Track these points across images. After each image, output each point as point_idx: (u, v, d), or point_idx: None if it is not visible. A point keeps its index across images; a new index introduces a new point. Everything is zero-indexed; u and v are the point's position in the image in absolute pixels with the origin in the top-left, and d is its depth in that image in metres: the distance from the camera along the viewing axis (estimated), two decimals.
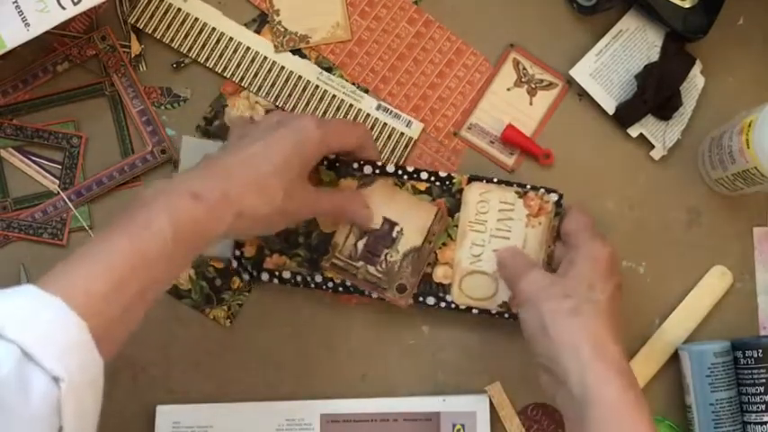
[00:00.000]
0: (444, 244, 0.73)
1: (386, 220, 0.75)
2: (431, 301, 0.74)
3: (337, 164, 0.74)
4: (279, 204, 0.64)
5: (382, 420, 0.75)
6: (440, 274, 0.74)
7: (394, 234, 0.75)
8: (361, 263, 0.75)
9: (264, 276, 0.75)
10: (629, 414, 0.61)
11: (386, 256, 0.75)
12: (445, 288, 0.74)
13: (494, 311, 0.74)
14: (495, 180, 0.74)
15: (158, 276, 0.58)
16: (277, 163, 0.65)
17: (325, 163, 0.74)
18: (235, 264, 0.75)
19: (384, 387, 0.77)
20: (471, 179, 0.74)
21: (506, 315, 0.74)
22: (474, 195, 0.74)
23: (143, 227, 0.57)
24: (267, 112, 0.79)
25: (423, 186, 0.74)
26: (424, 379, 0.77)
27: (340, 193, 0.74)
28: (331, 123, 0.72)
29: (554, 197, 0.73)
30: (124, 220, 0.58)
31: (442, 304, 0.74)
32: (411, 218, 0.75)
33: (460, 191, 0.74)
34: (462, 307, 0.74)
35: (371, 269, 0.75)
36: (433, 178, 0.74)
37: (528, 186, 0.74)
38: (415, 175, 0.74)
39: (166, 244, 0.57)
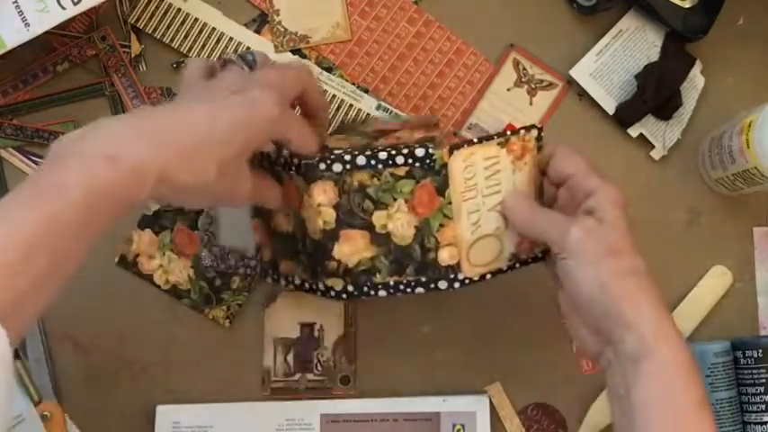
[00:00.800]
0: (442, 225, 0.67)
1: (303, 325, 0.77)
2: (443, 285, 0.68)
3: (299, 167, 0.66)
4: (208, 180, 0.57)
5: (382, 420, 0.75)
6: (445, 256, 0.67)
7: (315, 334, 0.77)
8: (298, 375, 0.76)
9: (282, 281, 0.71)
10: (685, 370, 0.59)
11: (317, 357, 0.77)
12: (454, 268, 0.67)
13: (505, 268, 0.69)
14: (476, 140, 0.67)
15: (70, 246, 0.53)
16: (218, 134, 0.57)
17: (293, 169, 0.66)
18: (258, 267, 0.73)
19: (384, 387, 0.77)
20: (452, 149, 0.66)
21: (517, 265, 0.70)
22: (458, 165, 0.66)
23: (54, 191, 0.52)
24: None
25: (402, 171, 0.65)
26: (424, 379, 0.77)
27: (278, 187, 0.67)
28: (288, 114, 0.63)
29: (534, 133, 0.68)
30: (35, 181, 0.53)
31: (456, 284, 0.68)
32: (324, 312, 0.77)
33: (444, 165, 0.65)
34: (476, 278, 0.69)
35: (310, 376, 0.76)
36: (411, 160, 0.65)
37: (508, 133, 0.68)
38: (390, 162, 0.65)
39: (79, 211, 0.52)
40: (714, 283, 0.79)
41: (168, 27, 0.79)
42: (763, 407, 0.74)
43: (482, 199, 0.67)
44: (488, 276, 0.69)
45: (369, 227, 0.66)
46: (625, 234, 0.64)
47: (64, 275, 0.54)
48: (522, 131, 0.68)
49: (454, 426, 0.75)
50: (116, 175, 0.53)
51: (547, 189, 0.69)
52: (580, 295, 0.63)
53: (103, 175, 0.53)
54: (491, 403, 0.76)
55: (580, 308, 0.63)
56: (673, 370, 0.59)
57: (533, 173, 0.69)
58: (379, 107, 0.79)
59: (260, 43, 0.79)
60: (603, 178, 0.66)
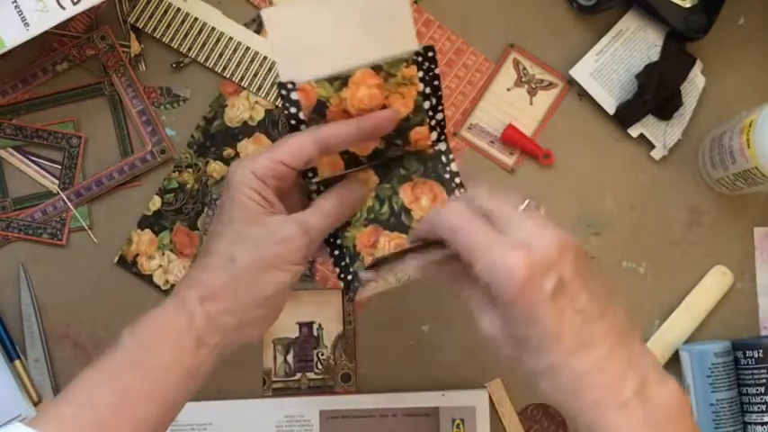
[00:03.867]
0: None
1: (301, 324, 0.77)
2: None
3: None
4: (239, 261, 0.58)
5: (381, 416, 0.75)
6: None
7: (315, 333, 0.77)
8: (298, 374, 0.76)
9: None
10: None
11: (317, 356, 0.76)
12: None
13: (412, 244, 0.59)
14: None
15: (132, 389, 0.55)
16: (214, 231, 0.60)
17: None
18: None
19: (385, 385, 0.77)
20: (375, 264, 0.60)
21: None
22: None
23: (110, 349, 0.56)
24: (267, 111, 0.78)
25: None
26: (425, 378, 0.77)
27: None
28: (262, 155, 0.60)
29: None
30: (112, 353, 0.57)
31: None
32: (323, 310, 0.76)
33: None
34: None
35: (310, 375, 0.76)
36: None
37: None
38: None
39: (129, 353, 0.56)
40: (714, 283, 0.79)
41: (168, 27, 0.78)
42: (764, 407, 0.74)
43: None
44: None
45: None
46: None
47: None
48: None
49: (454, 420, 0.75)
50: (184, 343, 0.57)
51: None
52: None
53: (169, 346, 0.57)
54: (490, 399, 0.76)
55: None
56: None
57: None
58: None
59: (260, 43, 0.79)
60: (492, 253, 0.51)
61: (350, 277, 0.62)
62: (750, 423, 0.75)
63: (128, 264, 0.77)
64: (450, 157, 0.64)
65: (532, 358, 0.51)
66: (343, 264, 0.62)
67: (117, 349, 0.56)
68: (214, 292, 0.57)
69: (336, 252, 0.63)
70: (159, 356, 0.56)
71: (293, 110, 0.60)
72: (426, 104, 0.62)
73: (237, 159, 0.61)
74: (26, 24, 0.70)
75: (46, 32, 0.71)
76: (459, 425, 0.75)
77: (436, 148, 0.64)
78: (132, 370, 0.56)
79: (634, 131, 0.79)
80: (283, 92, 0.60)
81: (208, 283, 0.58)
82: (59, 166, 0.78)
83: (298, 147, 0.58)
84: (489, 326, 0.53)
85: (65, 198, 0.77)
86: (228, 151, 0.78)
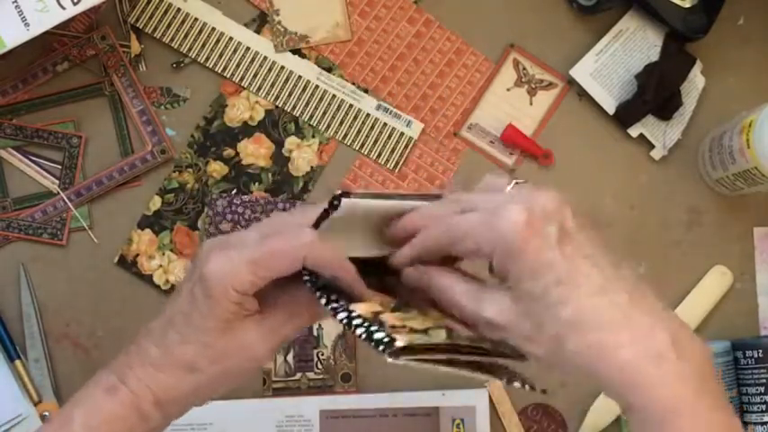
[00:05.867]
0: None
1: None
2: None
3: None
4: (205, 371, 0.53)
5: (381, 416, 0.75)
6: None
7: (315, 333, 0.76)
8: (298, 374, 0.76)
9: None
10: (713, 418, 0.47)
11: (318, 355, 0.76)
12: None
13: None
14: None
15: None
16: (176, 324, 0.53)
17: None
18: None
19: (385, 385, 0.77)
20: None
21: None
22: None
23: (59, 429, 0.54)
24: (267, 112, 0.78)
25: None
26: (424, 379, 0.77)
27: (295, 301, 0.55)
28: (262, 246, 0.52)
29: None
30: (52, 419, 0.55)
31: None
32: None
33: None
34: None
35: (311, 375, 0.76)
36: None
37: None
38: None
39: None
40: (714, 283, 0.79)
41: (168, 27, 0.78)
42: (764, 407, 0.74)
43: None
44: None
45: None
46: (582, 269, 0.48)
47: None
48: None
49: (454, 420, 0.75)
50: (115, 406, 0.53)
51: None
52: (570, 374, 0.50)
53: (104, 407, 0.53)
54: (490, 399, 0.76)
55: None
56: (699, 426, 0.47)
57: None
58: (378, 107, 0.79)
59: (260, 43, 0.79)
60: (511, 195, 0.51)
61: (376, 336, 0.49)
62: (750, 423, 0.75)
63: (128, 264, 0.77)
64: None
65: (553, 316, 0.47)
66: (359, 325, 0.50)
67: None
68: (172, 397, 0.54)
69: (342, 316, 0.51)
70: None
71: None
72: None
73: (216, 251, 0.52)
74: (26, 24, 0.70)
75: (46, 32, 0.71)
76: (459, 425, 0.75)
77: None
78: None
79: (634, 131, 0.79)
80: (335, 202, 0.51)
81: (165, 388, 0.54)
82: (59, 166, 0.78)
83: (288, 259, 0.51)
84: (497, 311, 0.50)
85: (65, 198, 0.77)
86: (228, 151, 0.78)
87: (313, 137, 0.79)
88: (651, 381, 0.46)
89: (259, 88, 0.79)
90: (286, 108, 0.79)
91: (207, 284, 0.51)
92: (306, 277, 0.51)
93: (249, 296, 0.52)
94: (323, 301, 0.51)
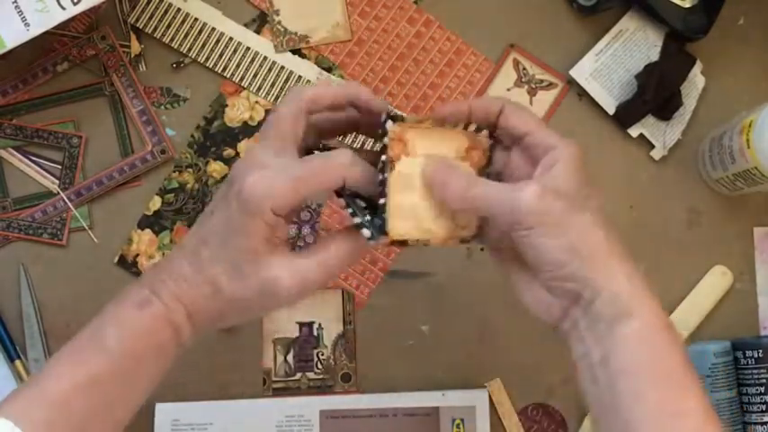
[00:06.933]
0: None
1: (301, 324, 0.77)
2: (366, 233, 0.56)
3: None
4: (227, 293, 0.55)
5: (381, 416, 0.75)
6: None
7: (315, 333, 0.77)
8: (298, 374, 0.76)
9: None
10: (667, 332, 0.54)
11: (318, 355, 0.76)
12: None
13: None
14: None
15: (114, 396, 0.55)
16: (210, 243, 0.56)
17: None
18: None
19: (385, 385, 0.77)
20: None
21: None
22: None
23: (90, 343, 0.55)
24: (267, 111, 0.79)
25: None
26: (424, 379, 0.77)
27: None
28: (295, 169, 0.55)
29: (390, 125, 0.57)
30: (81, 334, 0.56)
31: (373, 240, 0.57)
32: (323, 310, 0.76)
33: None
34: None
35: (311, 375, 0.76)
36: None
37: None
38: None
39: (115, 362, 0.54)
40: (714, 283, 0.79)
41: (168, 27, 0.78)
42: (764, 407, 0.74)
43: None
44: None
45: None
46: (584, 185, 0.56)
47: (118, 421, 0.56)
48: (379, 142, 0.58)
49: (453, 420, 0.75)
50: (146, 321, 0.55)
51: (496, 157, 0.60)
52: (544, 263, 0.55)
53: (134, 321, 0.55)
54: (490, 399, 0.76)
55: (542, 272, 0.56)
56: (655, 332, 0.54)
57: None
58: None
59: (260, 43, 0.79)
60: (562, 136, 0.58)
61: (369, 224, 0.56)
62: (750, 423, 0.75)
63: (128, 264, 0.77)
64: None
65: (588, 270, 0.55)
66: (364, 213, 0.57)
67: (100, 349, 0.55)
68: (200, 310, 0.56)
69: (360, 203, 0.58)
70: (145, 367, 0.56)
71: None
72: None
73: (255, 170, 0.54)
74: (26, 24, 0.70)
75: (46, 32, 0.71)
76: (459, 425, 0.75)
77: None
78: (116, 379, 0.54)
79: (634, 131, 0.79)
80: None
81: (195, 303, 0.56)
82: (60, 166, 0.78)
83: (332, 174, 0.55)
84: (533, 297, 0.58)
85: (65, 198, 0.77)
86: (228, 151, 0.78)
87: None
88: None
89: (259, 88, 0.79)
90: None
91: (246, 200, 0.54)
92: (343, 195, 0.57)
93: (282, 220, 0.55)
94: (350, 211, 0.57)
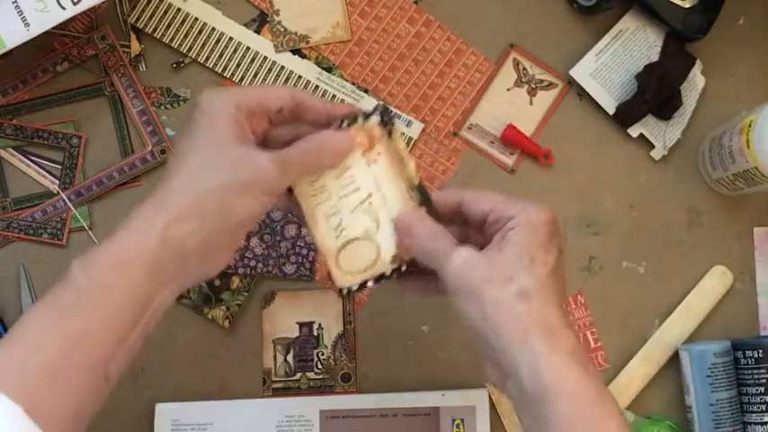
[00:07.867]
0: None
1: (301, 324, 0.77)
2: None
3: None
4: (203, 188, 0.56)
5: (382, 416, 0.75)
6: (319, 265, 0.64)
7: (315, 333, 0.76)
8: (298, 374, 0.76)
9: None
10: (594, 409, 0.52)
11: (318, 355, 0.76)
12: (329, 278, 0.62)
13: (389, 273, 0.61)
14: None
15: (99, 356, 0.53)
16: (182, 171, 0.56)
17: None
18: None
19: (385, 385, 0.77)
20: None
21: (404, 268, 0.61)
22: None
23: (77, 303, 0.54)
24: None
25: None
26: (424, 379, 0.77)
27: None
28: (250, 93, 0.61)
29: (374, 119, 0.60)
30: (63, 288, 0.55)
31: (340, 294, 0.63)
32: (323, 310, 0.76)
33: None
34: (355, 288, 0.61)
35: (311, 375, 0.76)
36: None
37: (344, 122, 0.61)
38: None
39: (83, 294, 0.54)
40: (714, 283, 0.79)
41: (168, 27, 0.79)
42: (764, 407, 0.74)
43: (338, 200, 0.61)
44: (371, 284, 0.61)
45: None
46: (538, 249, 0.55)
47: (114, 375, 0.55)
48: (360, 120, 0.61)
49: (454, 420, 0.75)
50: (135, 274, 0.55)
51: (474, 238, 0.60)
52: (469, 327, 0.56)
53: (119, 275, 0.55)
54: (490, 399, 0.76)
55: (474, 337, 0.56)
56: (584, 409, 0.52)
57: (396, 165, 0.61)
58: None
59: (260, 43, 0.79)
60: (527, 202, 0.58)
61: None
62: (750, 423, 0.75)
63: None
64: None
65: (506, 343, 0.55)
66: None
67: (67, 285, 0.54)
68: (180, 214, 0.54)
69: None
70: (113, 296, 0.54)
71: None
72: None
73: (210, 89, 0.59)
74: (26, 24, 0.70)
75: (46, 32, 0.71)
76: (459, 425, 0.75)
77: None
78: (84, 312, 0.53)
79: (634, 131, 0.79)
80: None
81: (174, 204, 0.55)
82: (60, 166, 0.78)
83: (275, 91, 0.60)
84: (482, 359, 0.58)
85: (65, 198, 0.77)
86: None
87: None
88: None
89: None
90: None
91: (208, 107, 0.57)
92: None
93: (245, 120, 0.58)
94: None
